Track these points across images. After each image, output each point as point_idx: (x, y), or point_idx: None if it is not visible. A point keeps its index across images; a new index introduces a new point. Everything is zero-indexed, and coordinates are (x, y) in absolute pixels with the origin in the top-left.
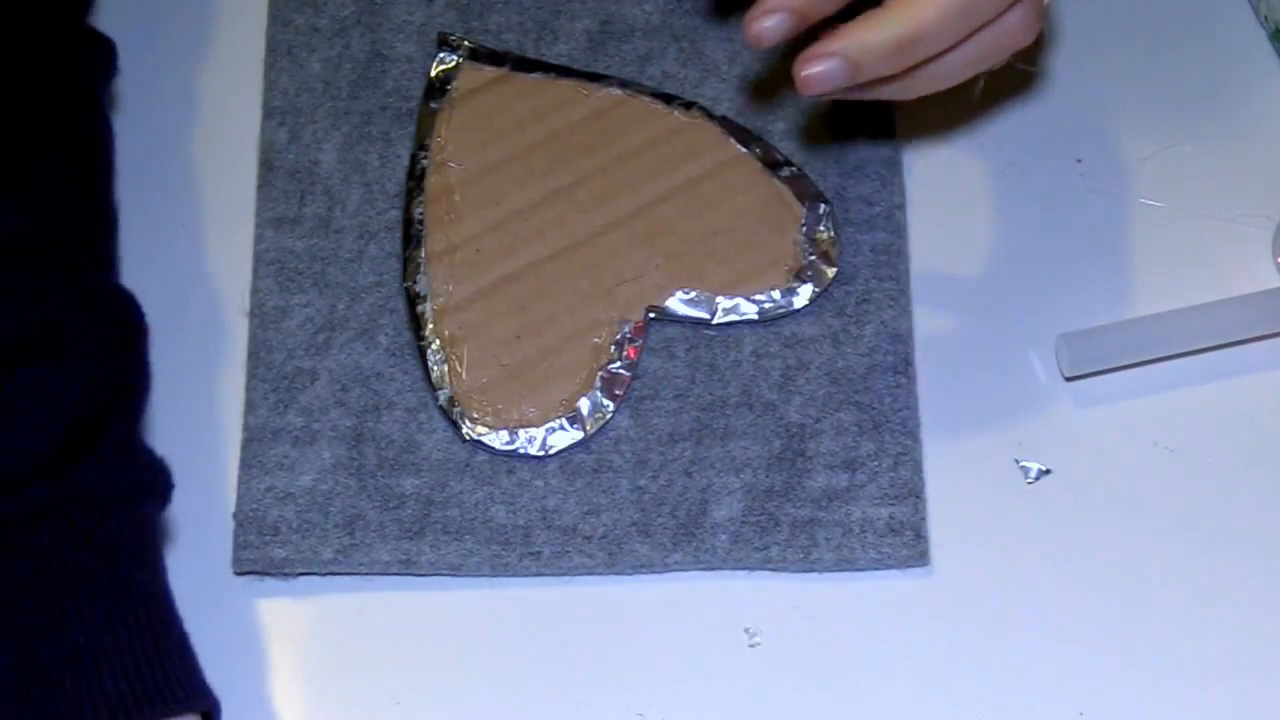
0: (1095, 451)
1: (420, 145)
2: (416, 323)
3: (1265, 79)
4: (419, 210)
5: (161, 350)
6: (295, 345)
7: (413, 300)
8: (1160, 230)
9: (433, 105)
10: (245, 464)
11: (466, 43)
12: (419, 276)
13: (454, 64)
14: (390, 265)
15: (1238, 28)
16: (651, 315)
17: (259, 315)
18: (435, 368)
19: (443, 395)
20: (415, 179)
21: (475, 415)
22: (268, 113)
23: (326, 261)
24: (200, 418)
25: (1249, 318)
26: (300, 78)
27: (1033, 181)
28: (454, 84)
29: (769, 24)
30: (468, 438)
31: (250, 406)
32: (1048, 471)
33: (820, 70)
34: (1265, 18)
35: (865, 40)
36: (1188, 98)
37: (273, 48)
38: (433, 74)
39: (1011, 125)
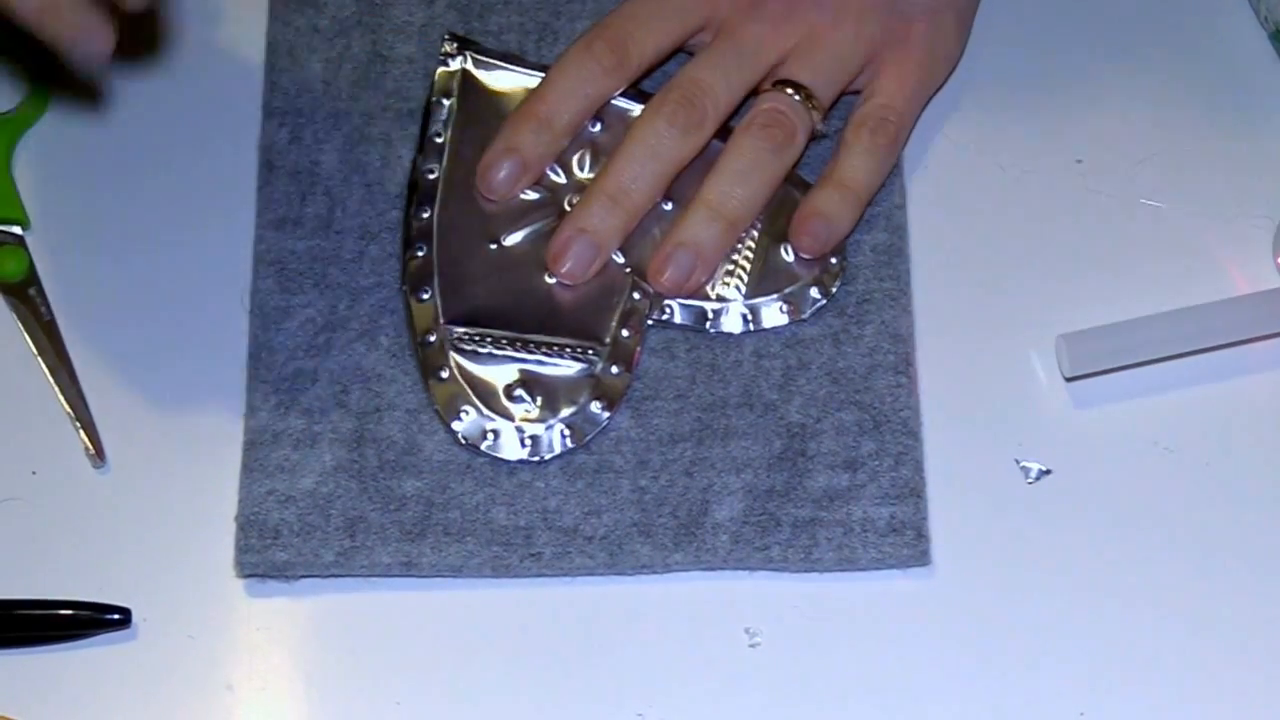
0: (1095, 451)
1: (421, 148)
2: (413, 326)
3: (1265, 79)
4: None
5: (162, 352)
6: (296, 346)
7: (410, 304)
8: (1160, 230)
9: (435, 106)
10: (246, 467)
11: (472, 44)
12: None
13: (459, 66)
14: (391, 266)
15: (1238, 28)
16: (650, 322)
17: (259, 316)
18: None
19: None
20: (414, 183)
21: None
22: (268, 113)
23: (327, 262)
24: (201, 420)
25: (1249, 318)
26: (301, 78)
27: (1033, 181)
28: (457, 85)
29: (501, 175)
30: (463, 442)
31: (251, 409)
32: (1048, 471)
33: (575, 251)
34: (1265, 18)
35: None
36: (1188, 98)
37: (273, 48)
38: (436, 75)
39: (1011, 125)
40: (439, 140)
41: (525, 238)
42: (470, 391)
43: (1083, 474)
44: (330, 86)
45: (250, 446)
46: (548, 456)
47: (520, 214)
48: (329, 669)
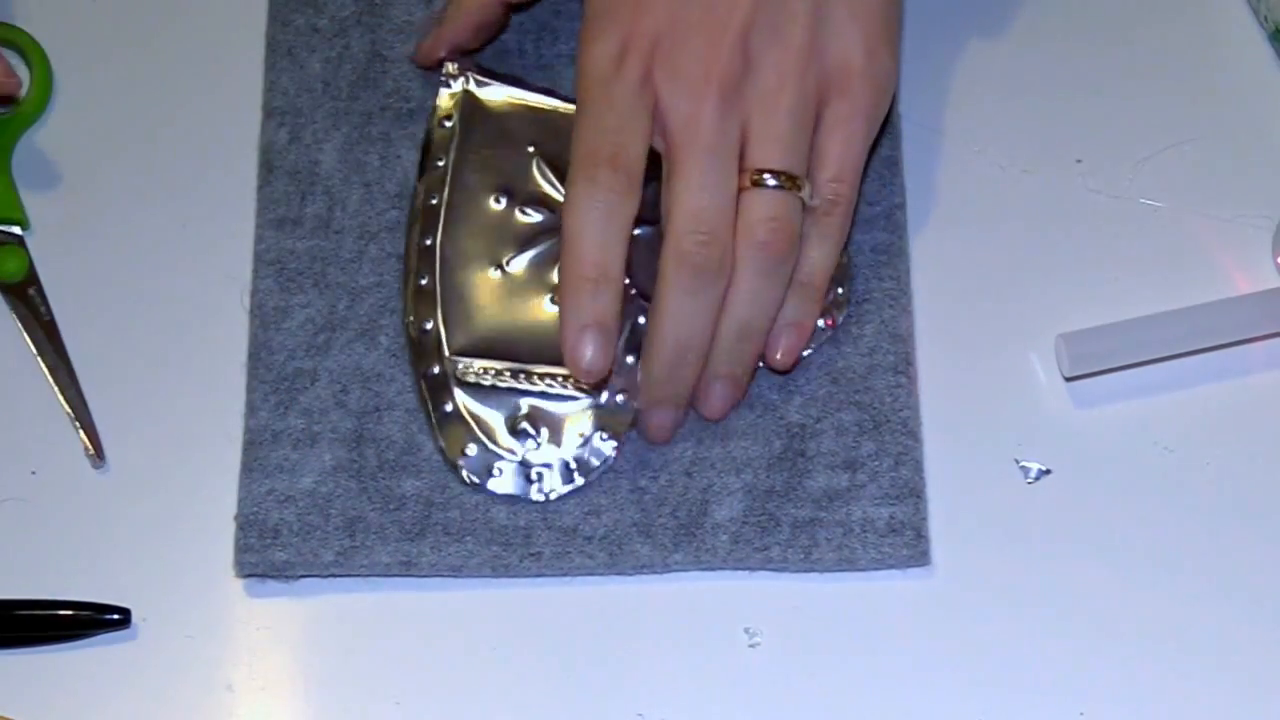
0: (1095, 451)
1: (422, 174)
2: (413, 354)
3: (1265, 79)
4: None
5: (162, 351)
6: (295, 346)
7: (410, 332)
8: (1160, 230)
9: (436, 131)
10: (246, 467)
11: (473, 69)
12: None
13: (460, 88)
14: (390, 265)
15: (1237, 28)
16: None
17: (259, 316)
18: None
19: (441, 434)
20: (416, 210)
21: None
22: (268, 113)
23: (327, 262)
24: (201, 419)
25: (1249, 318)
26: (300, 78)
27: (1033, 181)
28: (459, 108)
29: (590, 353)
30: (468, 482)
31: (251, 409)
32: (1048, 471)
33: (657, 421)
34: (1265, 18)
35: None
36: (1188, 98)
37: (273, 48)
38: (438, 100)
39: (1011, 125)
40: (440, 165)
41: (529, 262)
42: (475, 427)
43: (1082, 474)
44: (330, 86)
45: (250, 446)
46: (553, 497)
47: (523, 238)
48: (329, 669)
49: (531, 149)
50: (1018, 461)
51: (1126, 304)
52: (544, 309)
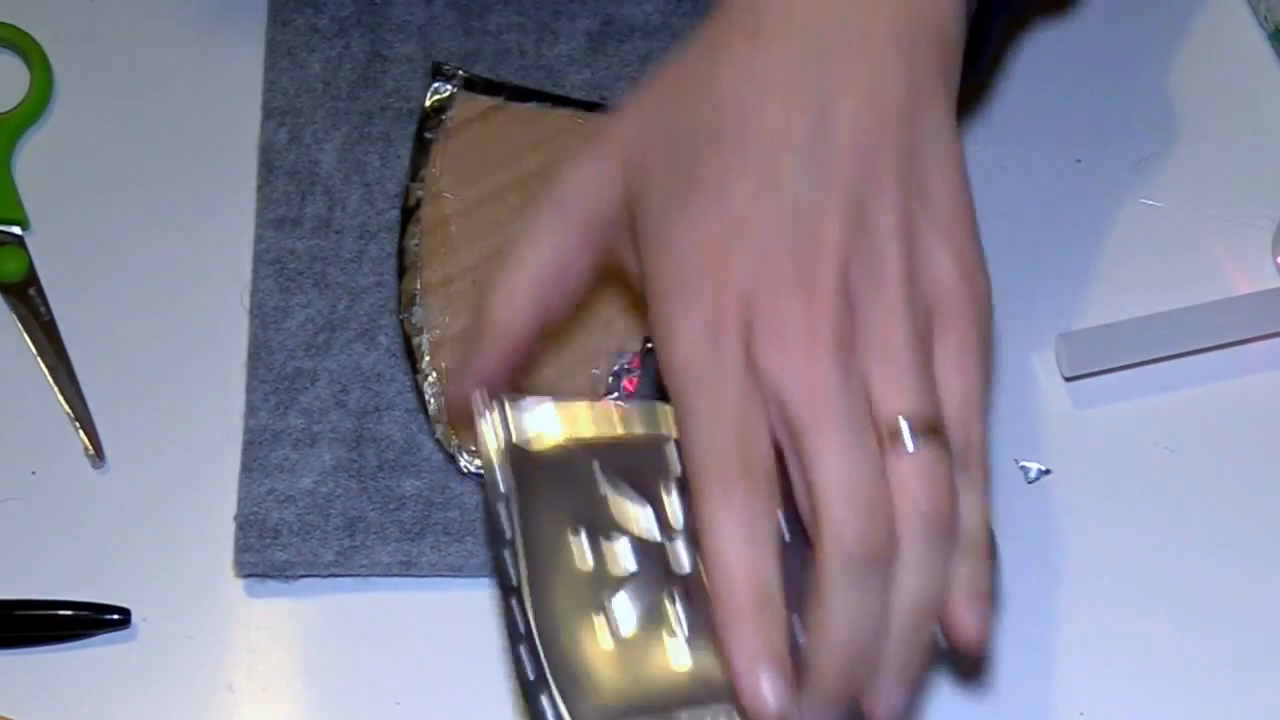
0: (1095, 451)
1: (414, 176)
2: (412, 356)
3: (1265, 79)
4: (414, 241)
5: (162, 351)
6: (295, 346)
7: (408, 333)
8: (1160, 230)
9: (427, 135)
10: (246, 467)
11: (461, 72)
12: (415, 308)
13: (449, 93)
14: (390, 266)
15: (1238, 28)
16: (649, 345)
17: (259, 316)
18: (432, 400)
19: (440, 429)
20: (409, 209)
21: (473, 449)
22: (268, 113)
23: (327, 262)
24: (201, 419)
25: (1249, 318)
26: (300, 78)
27: (1033, 181)
28: (449, 114)
29: (770, 694)
30: (466, 471)
31: (251, 409)
32: (1048, 471)
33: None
34: (1265, 18)
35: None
36: (1188, 98)
37: (273, 48)
38: (427, 104)
39: (1012, 125)
40: (507, 533)
41: (633, 603)
42: None
43: (1082, 474)
44: (329, 86)
45: (250, 446)
46: None
47: (617, 575)
48: (329, 669)
49: (596, 466)
50: (1018, 462)
51: (1126, 304)
52: (669, 647)
